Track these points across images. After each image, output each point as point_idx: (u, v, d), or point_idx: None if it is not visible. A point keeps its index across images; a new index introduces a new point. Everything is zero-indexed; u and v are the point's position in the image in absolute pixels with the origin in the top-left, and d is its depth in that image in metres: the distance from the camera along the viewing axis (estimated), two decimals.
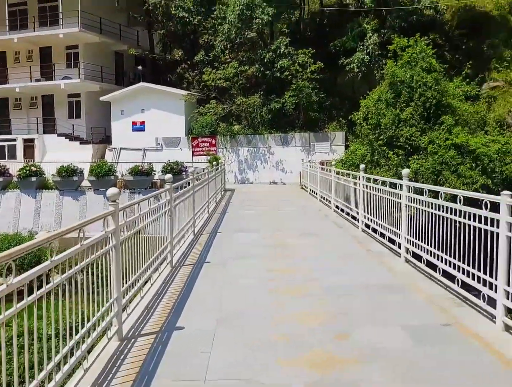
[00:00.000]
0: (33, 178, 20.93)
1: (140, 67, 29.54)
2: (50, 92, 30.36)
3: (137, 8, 30.49)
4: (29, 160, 27.22)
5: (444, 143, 17.03)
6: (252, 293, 5.76)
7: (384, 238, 8.27)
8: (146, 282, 5.65)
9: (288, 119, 25.74)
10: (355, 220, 10.37)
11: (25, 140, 29.79)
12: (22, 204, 21.37)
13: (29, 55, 31.18)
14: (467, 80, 20.71)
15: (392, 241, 7.80)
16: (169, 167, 19.97)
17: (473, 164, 16.59)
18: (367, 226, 9.42)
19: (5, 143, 30.05)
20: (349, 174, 11.52)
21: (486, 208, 4.51)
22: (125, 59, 32.76)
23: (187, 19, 27.02)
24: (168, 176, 7.50)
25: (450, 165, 16.67)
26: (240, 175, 25.73)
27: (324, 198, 14.87)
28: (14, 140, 30.05)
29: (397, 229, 7.53)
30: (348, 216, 11.02)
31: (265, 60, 25.03)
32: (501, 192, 4.27)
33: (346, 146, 24.07)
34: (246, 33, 26.13)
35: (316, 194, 16.58)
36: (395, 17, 23.48)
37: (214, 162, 16.87)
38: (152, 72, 33.00)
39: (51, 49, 30.39)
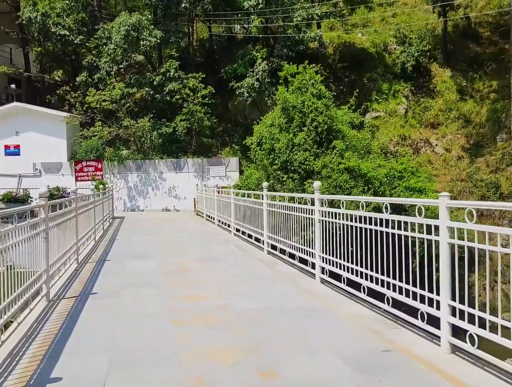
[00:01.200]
0: None
1: (13, 86, 26.93)
2: None
3: (9, 24, 27.92)
4: None
5: (337, 167, 17.39)
6: (152, 326, 4.87)
7: (294, 258, 7.76)
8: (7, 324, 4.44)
9: (181, 145, 24.95)
10: (259, 242, 9.83)
11: None
12: None
13: None
14: (353, 108, 21.69)
15: (304, 261, 7.32)
16: (48, 194, 17.95)
17: (365, 188, 17.09)
18: (273, 247, 8.91)
19: None
20: (249, 195, 11.01)
21: (420, 214, 4.13)
22: None
23: (68, 38, 25.25)
24: (43, 190, 6.48)
25: (343, 188, 16.99)
26: (130, 202, 24.22)
27: (223, 222, 14.23)
28: None
29: (309, 247, 7.06)
30: (251, 238, 10.47)
31: (154, 83, 24.16)
32: (439, 195, 3.91)
33: (241, 172, 23.82)
34: (133, 55, 25.12)
35: (214, 219, 15.91)
36: (282, 46, 24.06)
37: (101, 186, 15.47)
38: (28, 93, 30.34)
39: None
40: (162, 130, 23.87)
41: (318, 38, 24.12)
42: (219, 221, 14.86)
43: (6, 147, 25.24)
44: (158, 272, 7.67)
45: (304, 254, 7.30)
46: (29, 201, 18.65)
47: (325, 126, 18.33)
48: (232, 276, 7.38)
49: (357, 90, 23.91)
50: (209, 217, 17.04)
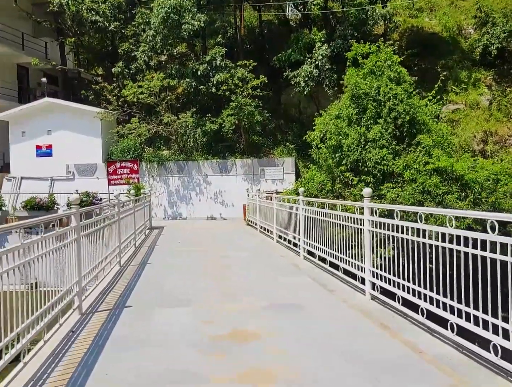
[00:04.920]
0: None
1: (44, 79, 24.71)
2: None
3: (44, 16, 25.79)
4: None
5: (424, 168, 13.89)
6: None
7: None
8: None
9: (227, 144, 21.92)
10: (350, 276, 6.54)
11: None
12: None
13: None
14: (430, 99, 18.04)
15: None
16: (79, 201, 15.27)
17: (462, 194, 13.50)
18: (381, 289, 5.62)
19: None
20: (331, 205, 7.78)
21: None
22: (31, 74, 27.76)
23: (102, 25, 22.71)
24: (73, 197, 5.77)
25: (433, 195, 13.47)
26: (171, 209, 21.36)
27: (285, 238, 11.01)
28: None
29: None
30: (339, 270, 7.17)
31: (198, 73, 21.26)
32: None
33: (297, 175, 20.58)
34: (174, 43, 22.33)
35: (270, 232, 12.75)
36: (347, 26, 20.61)
37: (132, 191, 12.57)
38: (64, 89, 28.20)
39: None
40: (207, 127, 20.93)
41: (388, 16, 20.53)
42: (279, 236, 11.69)
43: (38, 147, 23.04)
44: (198, 341, 4.55)
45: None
46: (55, 208, 16.11)
47: (406, 117, 14.81)
48: (328, 352, 4.16)
49: (428, 81, 20.34)
50: (264, 229, 13.89)
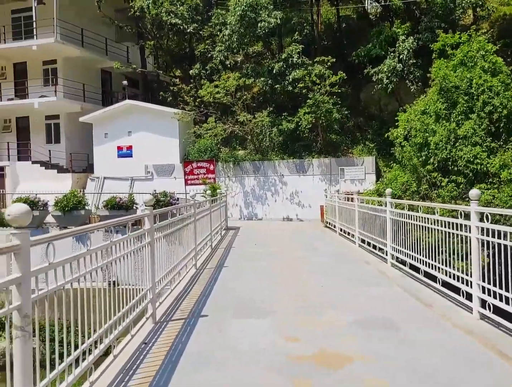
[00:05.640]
0: None
1: (125, 82, 25.43)
2: (25, 114, 26.19)
3: (125, 21, 26.63)
4: (0, 191, 22.99)
5: None
6: None
7: None
8: None
9: (304, 143, 21.31)
10: (455, 291, 5.74)
11: None
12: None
13: (2, 72, 27.17)
14: None
15: None
16: (153, 202, 15.39)
17: None
18: (493, 307, 4.81)
19: None
20: (431, 210, 6.97)
21: None
22: (113, 78, 28.79)
23: (180, 27, 22.96)
24: (147, 198, 5.59)
25: None
26: (247, 209, 21.12)
27: (367, 242, 10.26)
28: None
29: None
30: (436, 282, 6.36)
31: (274, 72, 20.85)
32: None
33: (377, 175, 19.57)
34: (250, 42, 22.08)
35: (352, 235, 12.02)
36: (432, 17, 19.26)
37: (208, 192, 12.34)
38: (144, 91, 28.98)
39: (26, 65, 26.36)
40: (283, 126, 20.45)
41: (480, 2, 18.94)
42: (362, 239, 10.94)
43: (119, 148, 23.73)
44: (280, 364, 4.02)
45: None
46: (134, 208, 16.36)
47: (504, 111, 13.46)
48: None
49: None
50: (344, 231, 13.16)
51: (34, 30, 24.27)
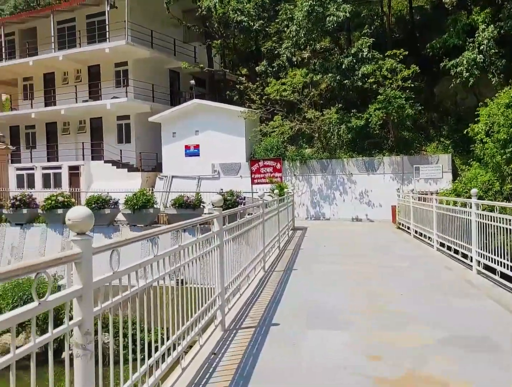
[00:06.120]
0: (60, 211, 17.00)
1: (193, 81, 25.64)
2: (98, 115, 27.20)
3: (193, 21, 26.93)
4: (75, 189, 23.95)
5: None
6: None
7: None
8: None
9: (374, 140, 20.48)
10: None
11: (70, 168, 26.66)
12: (48, 241, 17.63)
13: (77, 75, 28.35)
14: None
15: None
16: (222, 202, 15.24)
17: None
18: None
19: (51, 171, 27.15)
20: None
21: None
22: (181, 78, 29.21)
23: (247, 24, 22.82)
24: (216, 198, 5.16)
25: None
26: (314, 209, 20.62)
27: (447, 246, 9.49)
28: (60, 167, 27.05)
29: None
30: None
31: (343, 67, 20.17)
32: None
33: (454, 174, 18.42)
34: (317, 35, 21.51)
35: (429, 238, 11.25)
36: None
37: (276, 191, 11.99)
38: (211, 91, 29.18)
39: (99, 68, 27.33)
40: (352, 123, 19.73)
41: None
42: (441, 243, 10.16)
43: (187, 147, 24.01)
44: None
45: None
46: (201, 207, 16.37)
47: None
48: None
49: None
50: (420, 234, 12.37)
51: (107, 33, 25.06)
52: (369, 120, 19.19)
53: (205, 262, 4.51)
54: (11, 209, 17.47)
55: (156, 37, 26.12)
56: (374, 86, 19.06)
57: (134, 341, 2.78)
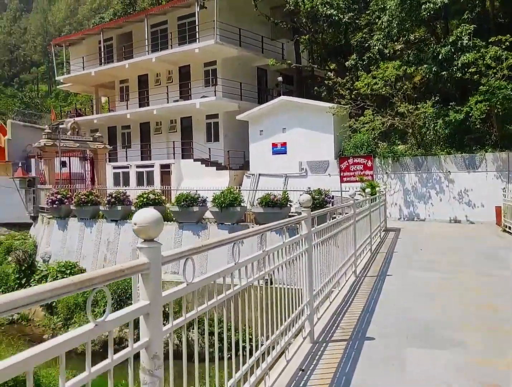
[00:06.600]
0: (151, 208, 17.51)
1: (280, 78, 25.34)
2: (188, 114, 27.87)
3: (281, 17, 26.66)
4: (165, 187, 24.73)
5: None
6: None
7: None
8: None
9: (475, 135, 18.88)
10: None
11: (162, 166, 27.56)
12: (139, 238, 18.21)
13: (169, 76, 29.28)
14: None
15: None
16: (310, 203, 14.77)
17: None
18: None
19: (144, 170, 28.27)
20: None
21: None
22: (268, 75, 29.11)
23: (336, 18, 22.08)
24: (305, 197, 4.65)
25: None
26: (407, 209, 19.46)
27: None
28: (152, 166, 28.07)
29: None
30: None
31: (440, 58, 18.80)
32: None
33: None
34: (411, 25, 20.29)
35: None
36: None
37: (368, 190, 11.31)
38: (298, 88, 28.74)
39: (189, 68, 27.99)
40: (450, 117, 18.32)
41: None
42: None
43: (274, 145, 23.80)
44: None
45: None
46: (288, 205, 16.01)
47: None
48: None
49: None
50: None
51: (197, 34, 25.52)
52: (470, 113, 17.70)
53: (292, 266, 4.10)
54: (107, 205, 18.25)
55: (243, 35, 26.19)
56: (475, 76, 17.54)
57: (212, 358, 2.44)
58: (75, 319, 14.36)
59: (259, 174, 23.93)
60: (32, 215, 23.10)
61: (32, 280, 17.38)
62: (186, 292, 2.07)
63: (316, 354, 4.17)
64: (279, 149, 23.63)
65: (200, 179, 23.67)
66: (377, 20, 21.17)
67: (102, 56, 31.54)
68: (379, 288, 6.79)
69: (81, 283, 1.41)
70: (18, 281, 17.56)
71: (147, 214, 1.77)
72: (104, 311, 1.54)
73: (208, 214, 17.19)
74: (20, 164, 26.51)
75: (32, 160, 29.72)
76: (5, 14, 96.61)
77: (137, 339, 1.75)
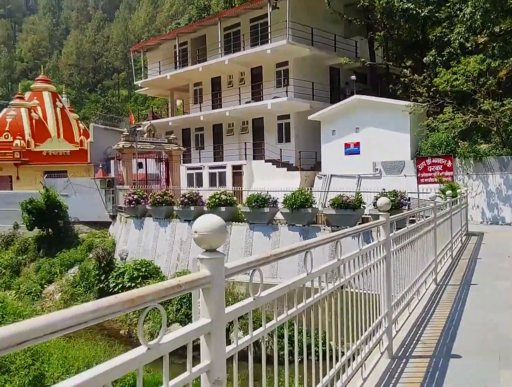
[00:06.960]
0: (223, 209, 17.65)
1: (353, 77, 24.69)
2: (260, 115, 27.92)
3: (354, 15, 25.97)
4: (237, 188, 24.94)
5: None
6: None
7: None
8: None
9: None
10: None
11: (234, 167, 27.80)
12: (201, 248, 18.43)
13: (241, 77, 29.50)
14: None
15: None
16: (389, 206, 14.17)
17: None
18: None
19: (216, 171, 28.67)
20: None
21: None
22: (341, 74, 28.50)
23: (413, 12, 21.13)
24: (383, 201, 4.34)
25: None
26: (491, 212, 18.20)
27: None
28: (224, 167, 28.40)
29: None
30: None
31: None
32: None
33: None
34: (497, 16, 18.96)
35: None
36: None
37: (448, 192, 10.60)
38: (372, 86, 27.89)
39: (261, 69, 28.02)
40: None
41: None
42: None
43: (346, 145, 23.24)
44: None
45: None
46: (361, 207, 15.50)
47: None
48: None
49: None
50: None
51: (269, 34, 25.49)
52: None
53: (369, 274, 3.80)
54: (180, 205, 18.63)
55: (316, 34, 25.81)
56: None
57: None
58: (149, 316, 14.70)
59: (331, 175, 23.44)
60: (111, 214, 24.16)
61: (110, 276, 18.08)
62: (252, 308, 1.89)
63: (395, 371, 3.84)
64: (352, 150, 23.03)
65: (271, 180, 23.60)
66: (458, 12, 20.01)
67: (177, 60, 32.43)
68: (463, 299, 6.28)
69: (131, 302, 1.25)
70: (98, 277, 18.33)
71: (209, 221, 1.60)
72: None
73: (279, 215, 17.03)
74: (100, 166, 27.87)
75: (112, 161, 31.13)
76: (90, 24, 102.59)
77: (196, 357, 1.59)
